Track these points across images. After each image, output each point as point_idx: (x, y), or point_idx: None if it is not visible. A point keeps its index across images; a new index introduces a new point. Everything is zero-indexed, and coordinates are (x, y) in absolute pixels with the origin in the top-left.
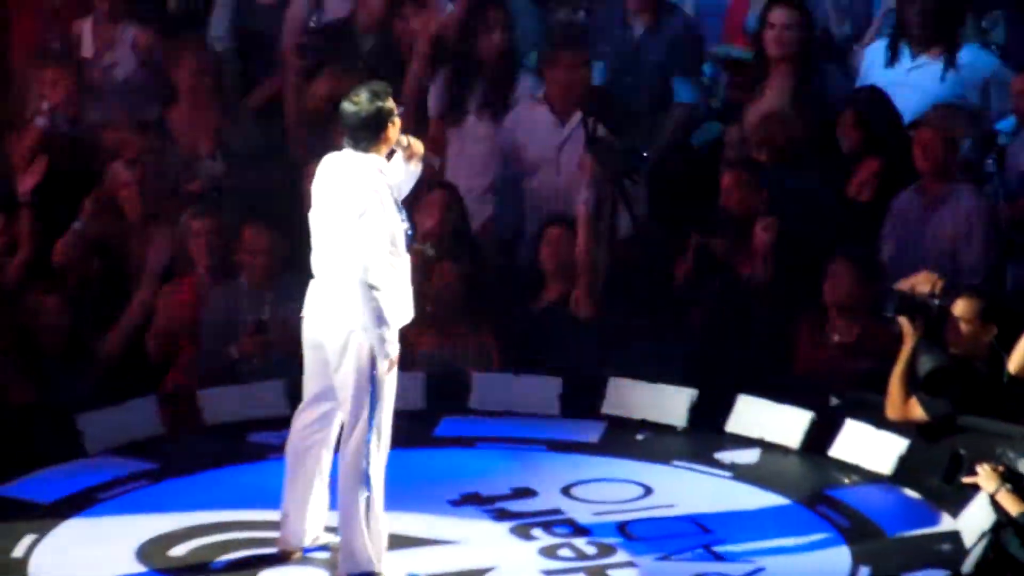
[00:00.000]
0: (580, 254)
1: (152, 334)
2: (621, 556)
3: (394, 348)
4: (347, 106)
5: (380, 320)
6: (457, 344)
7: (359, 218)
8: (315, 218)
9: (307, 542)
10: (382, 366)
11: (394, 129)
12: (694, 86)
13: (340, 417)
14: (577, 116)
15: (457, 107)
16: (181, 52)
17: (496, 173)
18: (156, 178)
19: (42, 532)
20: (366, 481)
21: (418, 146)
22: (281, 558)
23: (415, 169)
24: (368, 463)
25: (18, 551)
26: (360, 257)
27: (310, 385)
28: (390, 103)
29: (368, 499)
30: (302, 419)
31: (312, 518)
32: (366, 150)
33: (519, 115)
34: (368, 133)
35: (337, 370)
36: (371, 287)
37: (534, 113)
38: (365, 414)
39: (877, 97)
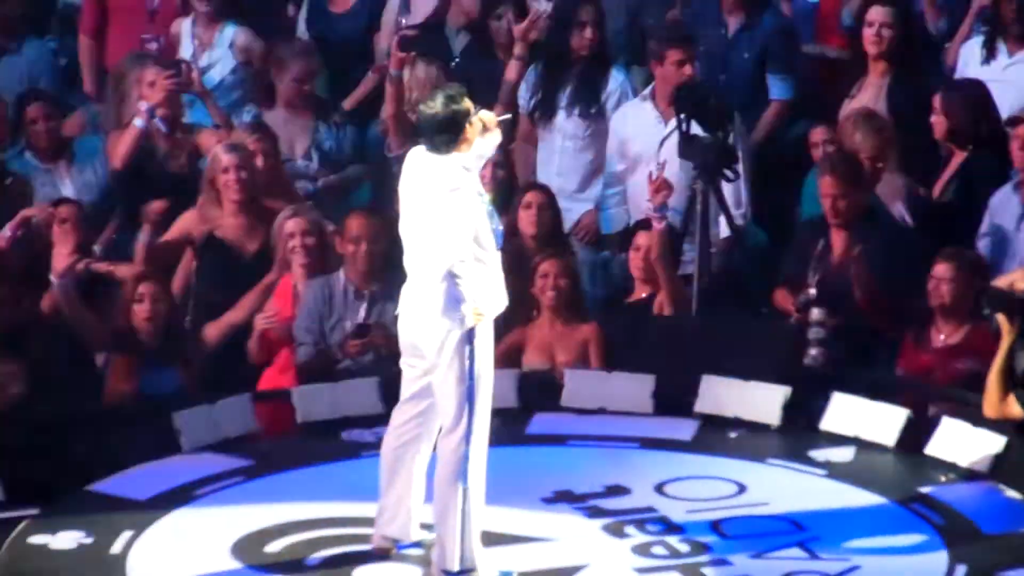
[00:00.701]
0: (654, 261)
1: (253, 337)
2: (715, 554)
3: (470, 319)
4: (423, 110)
5: (456, 302)
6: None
7: (443, 217)
8: (404, 220)
9: (402, 539)
10: (470, 322)
11: (472, 129)
12: (789, 83)
13: (438, 415)
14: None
15: (548, 104)
16: (286, 55)
17: (592, 170)
18: (257, 172)
19: (139, 528)
20: (464, 479)
21: (488, 117)
22: (376, 555)
23: (493, 138)
24: (466, 461)
25: (116, 547)
26: (443, 254)
27: (408, 384)
28: (466, 104)
29: (466, 496)
30: (399, 416)
31: (408, 515)
32: (446, 153)
33: (626, 111)
34: (445, 137)
35: (434, 369)
36: (452, 275)
37: (641, 109)
38: (464, 413)
39: (968, 86)
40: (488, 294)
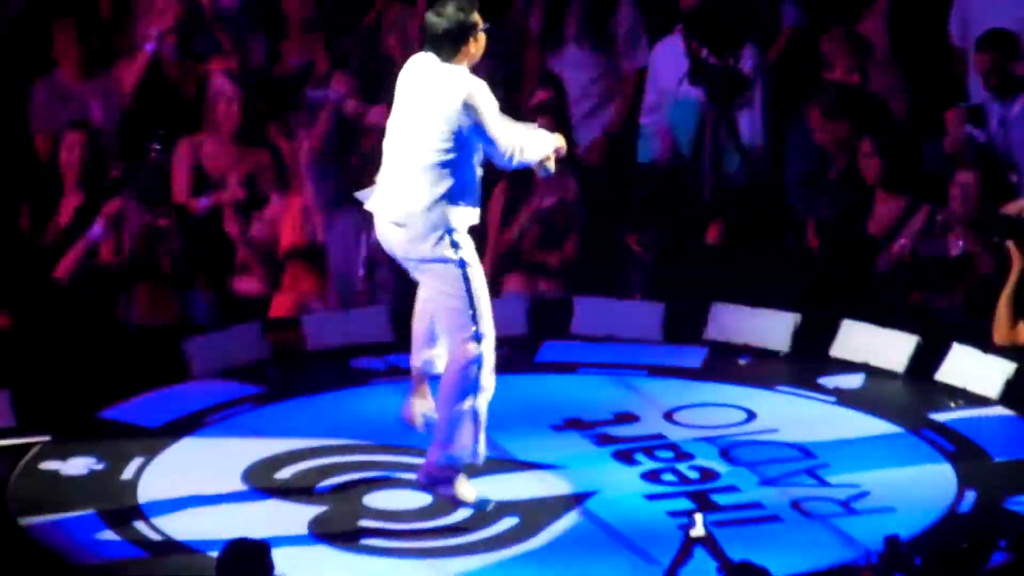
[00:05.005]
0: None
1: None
2: (724, 481)
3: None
4: (431, 17)
5: (527, 152)
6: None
7: (478, 122)
8: (401, 122)
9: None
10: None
11: (476, 44)
12: (803, 8)
13: None
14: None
15: (556, 34)
16: None
17: (599, 102)
18: (259, 103)
19: (150, 455)
20: (472, 391)
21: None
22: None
23: (544, 168)
24: (477, 369)
25: (127, 474)
26: (498, 145)
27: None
28: (474, 17)
29: (474, 407)
30: (420, 294)
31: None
32: (448, 60)
33: (661, 46)
34: (450, 45)
35: (421, 277)
36: (520, 153)
37: (671, 43)
38: (462, 312)
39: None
40: (469, 211)
